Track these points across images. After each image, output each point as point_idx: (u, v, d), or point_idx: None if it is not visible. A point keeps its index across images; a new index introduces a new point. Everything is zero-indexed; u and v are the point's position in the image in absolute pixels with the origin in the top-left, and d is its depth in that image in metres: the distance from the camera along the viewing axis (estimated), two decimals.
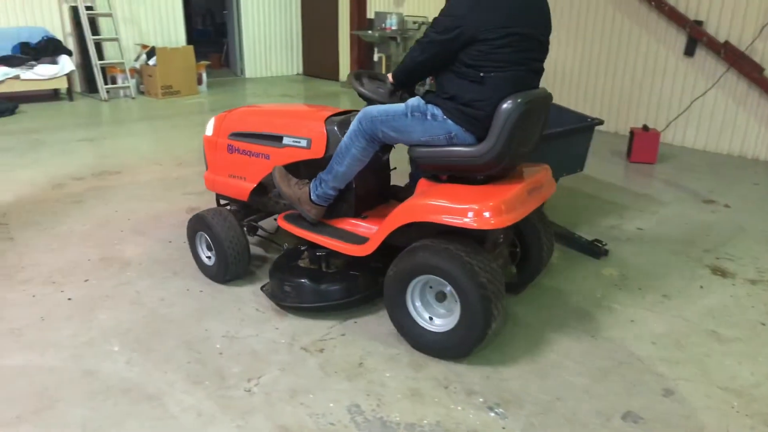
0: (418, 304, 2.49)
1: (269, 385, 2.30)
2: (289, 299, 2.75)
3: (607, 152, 5.79)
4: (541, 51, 2.41)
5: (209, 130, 3.22)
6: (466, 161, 2.38)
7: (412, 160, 2.68)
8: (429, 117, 2.41)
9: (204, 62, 9.54)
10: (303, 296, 2.72)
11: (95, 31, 8.53)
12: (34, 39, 8.07)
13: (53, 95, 8.41)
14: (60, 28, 8.54)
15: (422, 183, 2.57)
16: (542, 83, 2.51)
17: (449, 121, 2.37)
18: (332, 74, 10.53)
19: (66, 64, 8.03)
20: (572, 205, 4.34)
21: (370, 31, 9.32)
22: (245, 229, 3.10)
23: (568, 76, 6.96)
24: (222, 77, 10.89)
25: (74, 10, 8.46)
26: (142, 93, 8.92)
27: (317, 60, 11.02)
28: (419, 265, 2.38)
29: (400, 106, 2.48)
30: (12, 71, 7.55)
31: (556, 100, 3.09)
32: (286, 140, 2.87)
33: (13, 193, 4.41)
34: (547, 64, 2.51)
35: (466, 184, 2.44)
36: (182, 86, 8.83)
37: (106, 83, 8.49)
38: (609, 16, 6.46)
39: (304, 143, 2.81)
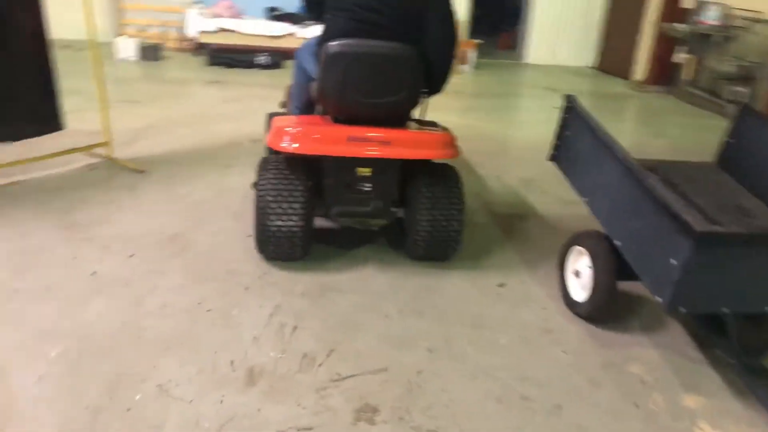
0: None
1: None
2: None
3: None
4: (380, 4, 2.54)
5: None
6: (313, 95, 2.80)
7: None
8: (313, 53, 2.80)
9: (475, 41, 8.85)
10: None
11: None
12: None
13: None
14: None
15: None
16: None
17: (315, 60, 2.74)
18: (623, 71, 8.77)
19: None
20: None
21: (678, 25, 7.34)
22: None
23: None
24: (498, 59, 10.04)
25: None
26: None
27: (613, 53, 9.31)
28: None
29: (311, 41, 2.89)
30: (291, 28, 8.05)
31: None
32: None
33: (214, 142, 4.51)
34: None
35: (333, 123, 2.70)
36: None
37: None
38: None
39: None
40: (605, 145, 2.42)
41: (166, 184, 3.68)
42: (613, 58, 9.30)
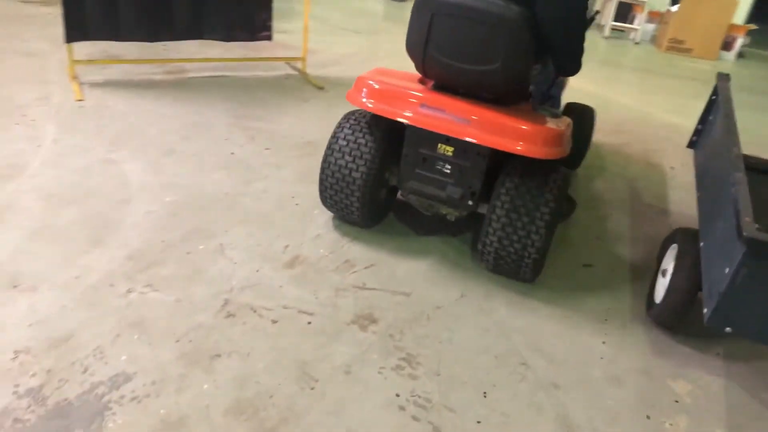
0: None
1: None
2: None
3: None
4: None
5: None
6: None
7: None
8: None
9: (750, 25, 7.50)
10: None
11: None
12: None
13: None
14: None
15: None
16: None
17: None
18: None
19: None
20: None
21: None
22: None
23: None
24: None
25: None
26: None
27: None
28: None
29: None
30: None
31: None
32: None
33: None
34: None
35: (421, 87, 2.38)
36: (698, 45, 7.30)
37: (624, 20, 7.82)
38: None
39: None
40: (724, 132, 2.04)
41: (332, 101, 4.08)
42: None
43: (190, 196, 2.71)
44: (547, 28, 2.11)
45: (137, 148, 3.07)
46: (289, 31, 4.87)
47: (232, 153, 3.17)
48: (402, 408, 1.77)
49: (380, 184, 2.52)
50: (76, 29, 3.58)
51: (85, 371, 1.74)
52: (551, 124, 2.21)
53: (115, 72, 3.99)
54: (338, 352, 1.95)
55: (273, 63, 4.58)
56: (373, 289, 2.27)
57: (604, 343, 2.16)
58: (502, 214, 2.21)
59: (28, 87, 3.59)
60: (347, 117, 2.52)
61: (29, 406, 1.61)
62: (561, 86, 2.72)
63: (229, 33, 4.17)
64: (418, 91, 2.28)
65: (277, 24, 4.96)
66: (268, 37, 4.36)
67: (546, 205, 2.17)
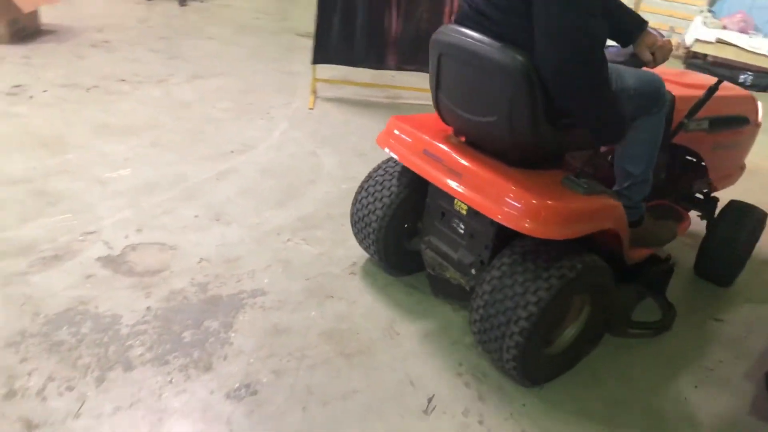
0: None
1: None
2: None
3: None
4: None
5: None
6: None
7: None
8: None
9: None
10: None
11: None
12: None
13: None
14: None
15: None
16: None
17: None
18: None
19: None
20: None
21: None
22: None
23: None
24: None
25: None
26: None
27: None
28: None
29: None
30: None
31: None
32: None
33: None
34: None
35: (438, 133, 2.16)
36: None
37: None
38: None
39: None
40: None
41: None
42: None
43: (338, 184, 3.27)
44: (549, 78, 1.67)
45: (337, 148, 3.77)
46: None
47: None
48: (459, 374, 2.01)
49: (407, 232, 2.39)
50: (321, 54, 4.49)
51: (238, 281, 2.35)
52: (562, 198, 1.80)
53: (345, 91, 4.85)
54: (425, 320, 2.26)
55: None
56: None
57: (696, 387, 2.09)
58: (496, 276, 1.87)
59: (280, 95, 4.60)
60: (385, 161, 2.43)
61: (195, 292, 2.26)
62: (630, 158, 2.05)
63: (386, 62, 4.71)
64: (430, 138, 2.09)
65: None
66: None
67: (549, 288, 1.76)
